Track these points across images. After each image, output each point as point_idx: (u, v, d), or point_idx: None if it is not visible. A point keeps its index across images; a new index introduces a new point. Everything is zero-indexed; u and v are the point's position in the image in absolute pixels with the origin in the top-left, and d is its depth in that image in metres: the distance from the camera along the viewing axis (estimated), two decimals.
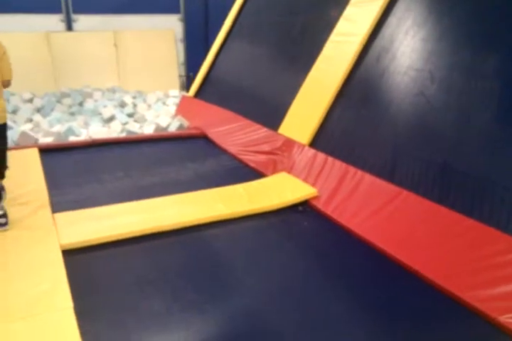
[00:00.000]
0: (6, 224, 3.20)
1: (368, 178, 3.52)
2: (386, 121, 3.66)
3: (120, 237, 3.18)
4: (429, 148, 3.26)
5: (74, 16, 8.67)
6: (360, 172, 3.60)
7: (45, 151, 4.94)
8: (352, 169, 3.68)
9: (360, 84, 4.06)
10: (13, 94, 7.30)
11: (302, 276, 2.84)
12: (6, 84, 3.32)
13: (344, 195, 3.58)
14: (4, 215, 3.22)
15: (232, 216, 3.56)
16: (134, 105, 7.47)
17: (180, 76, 9.62)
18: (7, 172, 3.50)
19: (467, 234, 2.74)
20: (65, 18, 8.63)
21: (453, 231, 2.81)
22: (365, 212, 3.36)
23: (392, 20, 4.03)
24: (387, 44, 3.96)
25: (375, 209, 3.32)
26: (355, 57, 4.15)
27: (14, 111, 6.68)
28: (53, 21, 8.52)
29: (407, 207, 3.15)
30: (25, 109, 6.80)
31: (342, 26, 4.46)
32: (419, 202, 3.10)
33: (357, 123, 3.96)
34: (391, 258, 2.94)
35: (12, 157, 4.37)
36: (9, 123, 6.04)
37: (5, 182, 3.89)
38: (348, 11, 4.45)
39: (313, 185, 3.85)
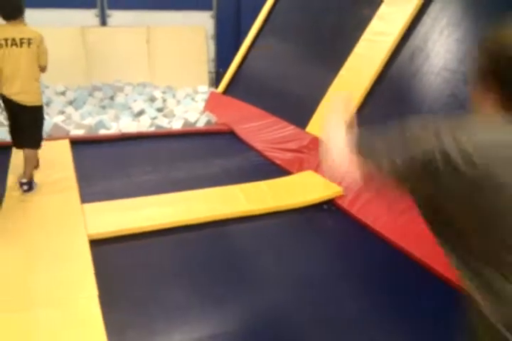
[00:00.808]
0: (29, 190, 3.69)
1: None
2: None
3: (146, 229, 3.24)
4: None
5: (108, 12, 8.81)
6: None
7: (76, 143, 5.04)
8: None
9: (392, 83, 4.01)
10: (46, 87, 7.47)
11: (324, 275, 2.84)
12: (44, 69, 3.71)
13: (369, 196, 3.54)
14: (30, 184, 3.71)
15: (257, 212, 3.57)
16: (164, 100, 7.55)
17: (209, 72, 9.67)
18: (41, 164, 3.92)
19: None
20: (99, 13, 8.77)
21: None
22: (391, 212, 3.31)
23: (426, 20, 3.96)
24: (421, 44, 3.89)
25: (401, 210, 3.27)
26: (388, 56, 4.10)
27: (47, 103, 6.83)
28: (88, 16, 8.67)
29: None
30: (58, 102, 6.96)
31: (376, 25, 4.41)
32: None
33: (387, 123, 3.90)
34: (415, 260, 2.90)
35: (44, 148, 4.49)
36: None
37: (37, 172, 4.02)
38: (382, 10, 4.40)
39: (339, 184, 3.83)
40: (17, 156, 4.50)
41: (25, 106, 3.59)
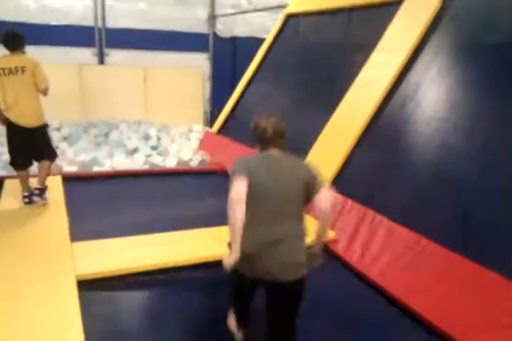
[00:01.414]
0: (30, 202, 4.10)
1: (387, 224, 3.49)
2: (407, 168, 3.66)
3: (137, 270, 3.19)
4: (451, 197, 3.24)
5: (106, 50, 9.03)
6: (379, 217, 3.58)
7: (69, 180, 5.03)
8: (371, 213, 3.66)
9: (383, 129, 4.10)
10: None
11: (312, 324, 2.78)
12: (43, 92, 3.99)
13: (362, 240, 3.54)
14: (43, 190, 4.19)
15: None
16: (158, 138, 7.62)
17: (204, 112, 9.83)
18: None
19: (488, 287, 2.67)
20: (98, 52, 8.98)
21: (473, 284, 2.74)
22: (384, 259, 3.31)
23: (417, 68, 4.11)
24: (411, 92, 4.02)
25: (394, 256, 3.27)
26: (379, 103, 4.22)
27: None
28: (87, 54, 8.87)
29: (426, 256, 3.10)
30: (53, 137, 6.98)
31: (367, 72, 4.56)
32: (439, 251, 3.04)
33: (378, 168, 3.97)
34: (408, 309, 2.88)
35: (35, 185, 4.48)
36: None
37: (27, 209, 4.01)
38: (374, 58, 4.56)
39: (332, 228, 3.82)
40: (9, 191, 4.49)
41: (30, 128, 3.95)
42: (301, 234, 2.35)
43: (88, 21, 8.73)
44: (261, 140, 2.35)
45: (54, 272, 3.03)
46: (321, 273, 3.39)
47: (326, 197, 2.24)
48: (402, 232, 3.35)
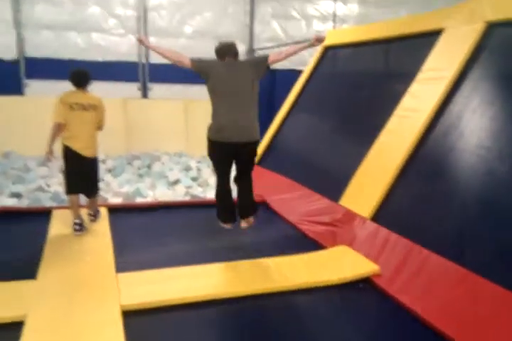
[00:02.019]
0: (80, 230, 4.38)
1: (434, 258, 3.38)
2: (454, 199, 3.57)
3: (179, 302, 3.22)
4: (501, 229, 3.13)
5: (150, 85, 9.39)
6: (425, 252, 3.48)
7: (113, 211, 5.16)
8: (417, 247, 3.56)
9: (427, 160, 4.04)
10: None
11: None
12: (100, 128, 4.54)
13: (408, 275, 3.44)
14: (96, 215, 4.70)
15: (289, 288, 3.50)
16: (198, 170, 7.74)
17: None
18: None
19: None
20: (141, 87, 9.35)
21: None
22: (431, 294, 3.19)
23: (458, 98, 4.07)
24: (454, 121, 3.97)
25: (442, 292, 3.16)
26: (421, 133, 4.17)
27: None
28: (131, 89, 9.25)
29: (476, 293, 2.97)
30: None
31: (407, 102, 4.54)
32: (490, 288, 2.92)
33: (423, 200, 3.89)
34: None
35: (82, 215, 4.62)
36: None
37: (74, 239, 4.14)
38: (414, 87, 4.54)
39: (375, 261, 3.74)
40: (57, 222, 4.64)
41: (90, 158, 4.41)
42: (254, 114, 3.81)
43: (132, 57, 9.15)
44: (218, 54, 3.67)
45: (100, 302, 3.09)
46: (363, 306, 3.35)
47: (274, 53, 3.72)
48: (451, 267, 3.23)
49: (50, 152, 4.36)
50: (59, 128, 4.30)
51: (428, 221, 3.73)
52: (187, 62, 3.67)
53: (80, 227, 4.37)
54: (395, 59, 5.45)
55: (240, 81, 3.62)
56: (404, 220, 3.94)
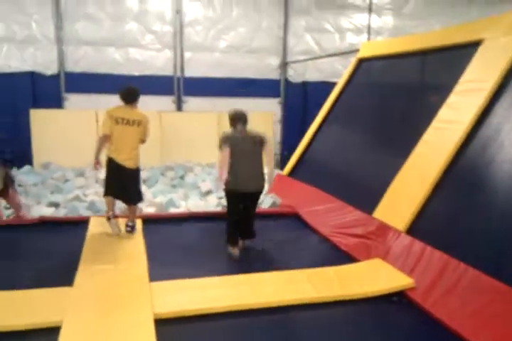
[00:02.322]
0: (132, 231, 4.74)
1: (472, 273, 3.28)
2: (494, 212, 3.47)
3: (209, 311, 3.24)
4: None
5: (184, 98, 9.56)
6: (462, 266, 3.38)
7: (147, 221, 5.24)
8: (453, 261, 3.46)
9: (465, 172, 3.95)
10: None
11: None
12: (143, 142, 4.76)
13: (444, 289, 3.34)
14: (133, 226, 4.81)
15: (321, 300, 3.46)
16: None
17: (275, 154, 9.99)
18: (113, 240, 4.59)
19: None
20: (176, 100, 9.53)
21: None
22: (468, 309, 3.10)
23: (498, 110, 3.97)
24: (493, 133, 3.87)
25: (479, 307, 3.06)
26: (459, 145, 4.09)
27: None
28: (166, 102, 9.44)
29: None
30: None
31: (445, 113, 4.47)
32: None
33: (460, 213, 3.79)
34: None
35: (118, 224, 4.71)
36: None
37: (110, 247, 4.22)
38: (452, 99, 4.47)
39: (410, 274, 3.66)
40: (93, 231, 4.75)
41: (131, 169, 4.63)
42: (262, 170, 4.47)
43: (168, 71, 9.36)
44: (231, 120, 4.54)
45: (133, 309, 3.13)
46: (396, 319, 3.26)
47: (269, 151, 4.53)
48: (488, 282, 3.13)
49: (98, 162, 4.69)
50: (105, 139, 4.59)
51: (465, 234, 3.63)
52: (227, 153, 4.32)
53: (111, 218, 4.70)
54: (431, 71, 5.39)
55: (251, 146, 4.40)
56: (440, 233, 3.84)
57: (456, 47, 4.88)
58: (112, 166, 4.60)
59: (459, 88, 4.46)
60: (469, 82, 4.38)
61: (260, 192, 4.52)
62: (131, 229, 4.75)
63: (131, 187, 4.74)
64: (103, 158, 4.74)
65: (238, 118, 4.49)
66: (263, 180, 4.46)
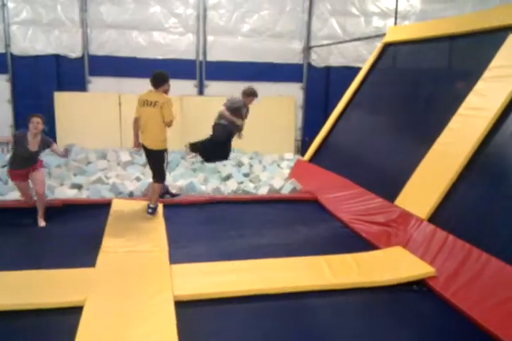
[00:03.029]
0: (153, 213, 4.85)
1: (495, 263, 3.22)
2: None
3: (228, 295, 3.27)
4: None
5: (206, 82, 9.53)
6: (485, 256, 3.32)
7: (168, 205, 5.28)
8: (476, 251, 3.41)
9: (491, 160, 3.86)
10: None
11: None
12: (168, 124, 4.79)
13: (466, 279, 3.30)
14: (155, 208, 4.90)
15: (340, 287, 3.45)
16: (250, 166, 7.79)
17: (295, 140, 9.92)
18: (135, 222, 4.65)
19: None
20: (198, 84, 9.50)
21: None
22: (491, 300, 3.05)
23: None
24: None
25: (503, 299, 3.01)
26: (486, 132, 3.99)
27: (144, 164, 7.31)
28: (188, 86, 9.42)
29: None
30: None
31: (472, 100, 4.35)
32: None
33: (484, 202, 3.72)
34: None
35: (140, 208, 4.78)
36: (139, 175, 6.63)
37: (131, 231, 4.27)
38: (480, 86, 4.35)
39: (431, 263, 3.62)
40: (115, 213, 4.82)
41: (151, 150, 4.84)
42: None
43: (190, 55, 9.31)
44: (245, 94, 5.69)
45: (154, 291, 3.18)
46: (416, 308, 3.24)
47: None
48: (511, 273, 3.08)
49: (135, 144, 5.01)
50: (135, 122, 4.90)
51: (489, 224, 3.56)
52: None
53: (152, 210, 4.87)
54: (460, 56, 5.23)
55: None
56: (463, 222, 3.78)
57: (487, 32, 4.71)
58: (144, 147, 4.91)
59: (487, 74, 4.33)
60: (499, 68, 4.25)
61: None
62: (152, 211, 4.83)
63: (153, 165, 4.98)
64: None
65: (253, 93, 5.74)
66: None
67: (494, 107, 4.01)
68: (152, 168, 5.02)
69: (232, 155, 8.36)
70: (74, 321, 2.79)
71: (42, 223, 4.62)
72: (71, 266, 3.56)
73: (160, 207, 5.07)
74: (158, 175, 4.93)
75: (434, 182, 4.20)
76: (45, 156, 7.57)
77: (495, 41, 4.46)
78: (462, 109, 4.39)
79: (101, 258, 3.71)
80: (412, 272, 3.56)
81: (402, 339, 2.91)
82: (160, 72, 4.80)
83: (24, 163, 4.67)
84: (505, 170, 3.68)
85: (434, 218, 4.06)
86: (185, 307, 3.06)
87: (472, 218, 3.74)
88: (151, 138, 4.80)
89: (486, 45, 4.60)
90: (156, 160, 4.90)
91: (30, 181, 4.81)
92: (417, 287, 3.48)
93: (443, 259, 3.60)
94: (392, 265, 3.70)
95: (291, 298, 3.31)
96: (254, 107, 9.42)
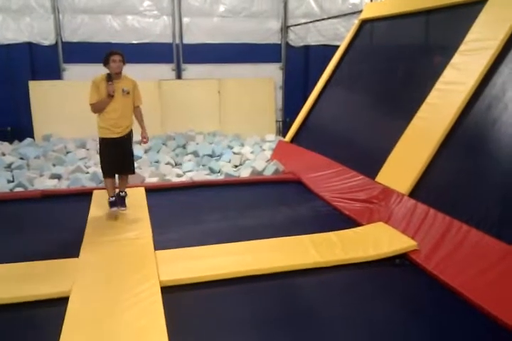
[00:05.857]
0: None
1: (474, 234, 3.29)
2: (496, 173, 3.44)
3: (215, 278, 3.27)
4: None
5: (184, 65, 9.40)
6: (465, 227, 3.38)
7: (151, 190, 5.25)
8: (456, 223, 3.46)
9: (468, 133, 3.90)
10: None
11: (394, 334, 2.68)
12: (138, 108, 4.45)
13: (447, 251, 3.36)
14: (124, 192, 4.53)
15: (325, 264, 3.49)
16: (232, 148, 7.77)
17: (276, 121, 9.90)
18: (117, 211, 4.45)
19: None
20: (175, 68, 9.37)
21: None
22: (471, 270, 3.11)
23: (503, 69, 3.87)
24: (498, 93, 3.79)
25: (482, 268, 3.07)
26: (463, 106, 4.01)
27: None
28: (166, 70, 9.29)
29: None
30: (135, 150, 7.34)
31: (449, 74, 4.36)
32: None
33: (463, 174, 3.77)
34: (499, 323, 2.68)
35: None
36: None
37: (114, 219, 4.24)
38: (456, 59, 4.35)
39: (413, 237, 3.67)
40: (97, 202, 4.77)
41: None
42: None
43: (166, 38, 9.15)
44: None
45: (140, 278, 3.17)
46: (400, 282, 3.30)
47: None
48: (491, 243, 3.14)
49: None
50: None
51: (468, 196, 3.61)
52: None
53: (124, 193, 4.55)
54: (435, 31, 5.22)
55: None
56: (442, 195, 3.83)
57: (462, 5, 4.70)
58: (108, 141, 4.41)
59: (463, 48, 4.34)
60: (474, 41, 4.25)
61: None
62: (124, 194, 4.51)
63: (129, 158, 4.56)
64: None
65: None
66: None
67: (470, 81, 4.02)
68: (125, 159, 4.47)
69: (213, 138, 8.38)
70: (60, 312, 2.77)
71: None
72: (54, 257, 3.52)
73: (143, 193, 5.03)
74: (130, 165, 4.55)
75: (414, 158, 4.23)
76: (24, 148, 7.47)
77: (470, 14, 4.45)
78: (439, 84, 4.41)
79: (84, 247, 3.68)
80: (394, 246, 3.60)
81: (387, 310, 2.95)
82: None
83: None
84: (482, 143, 3.72)
85: (415, 193, 4.11)
86: (172, 293, 3.06)
87: (452, 191, 3.79)
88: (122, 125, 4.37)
89: (462, 18, 4.59)
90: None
91: None
92: (400, 261, 3.53)
93: (424, 233, 3.65)
94: (375, 240, 3.74)
95: (278, 278, 3.33)
96: (234, 90, 9.40)
